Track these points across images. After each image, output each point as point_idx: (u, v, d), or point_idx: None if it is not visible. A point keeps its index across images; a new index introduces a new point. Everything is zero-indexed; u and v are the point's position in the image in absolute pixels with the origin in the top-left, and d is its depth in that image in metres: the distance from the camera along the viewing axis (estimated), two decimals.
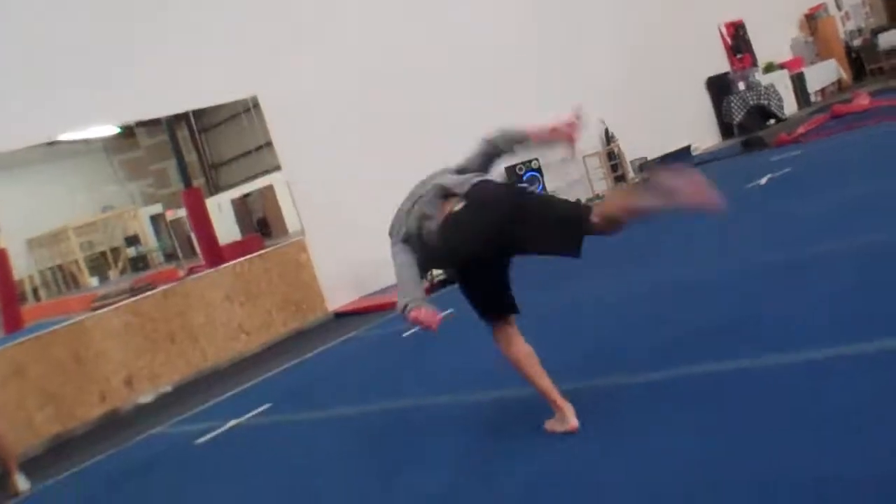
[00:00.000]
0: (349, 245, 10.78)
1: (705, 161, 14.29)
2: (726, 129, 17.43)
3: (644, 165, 14.96)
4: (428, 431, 4.81)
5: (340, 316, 10.54)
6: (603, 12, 15.69)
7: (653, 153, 15.16)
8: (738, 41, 18.69)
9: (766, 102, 17.21)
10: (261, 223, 12.23)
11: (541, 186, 13.06)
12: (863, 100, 15.15)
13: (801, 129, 13.82)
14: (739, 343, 4.42)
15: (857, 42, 22.27)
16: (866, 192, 7.41)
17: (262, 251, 10.67)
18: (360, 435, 5.27)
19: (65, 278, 11.63)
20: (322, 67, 11.44)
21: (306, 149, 10.90)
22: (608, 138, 14.73)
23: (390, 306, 9.67)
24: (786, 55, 20.50)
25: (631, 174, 14.94)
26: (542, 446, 3.95)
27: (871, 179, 8.09)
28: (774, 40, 20.18)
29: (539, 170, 13.19)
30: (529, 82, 13.92)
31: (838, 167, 9.72)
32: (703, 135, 17.11)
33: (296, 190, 10.88)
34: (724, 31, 18.44)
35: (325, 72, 11.45)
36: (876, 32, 22.04)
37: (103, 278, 11.80)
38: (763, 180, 9.74)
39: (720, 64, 18.08)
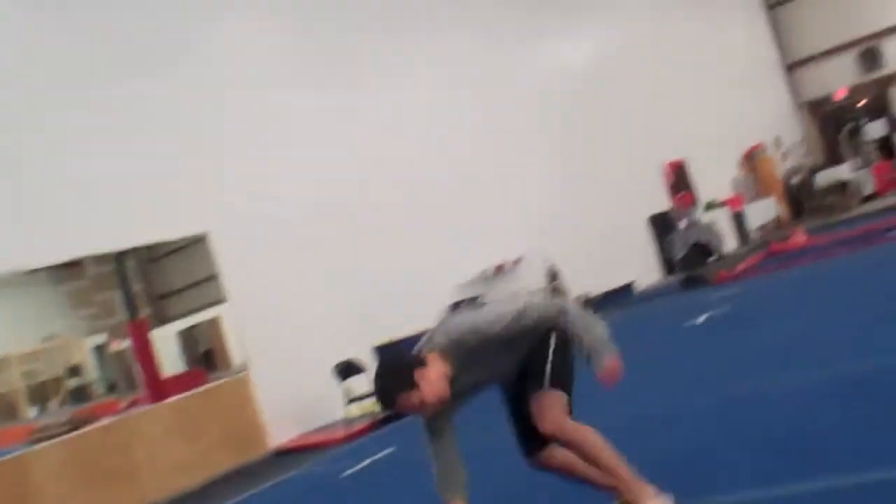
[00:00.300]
0: (294, 379, 10.86)
1: (646, 298, 14.66)
2: (669, 265, 17.86)
3: (589, 301, 15.29)
4: None
5: (282, 453, 10.53)
6: (548, 150, 16.17)
7: (596, 289, 15.52)
8: (679, 180, 19.31)
9: (706, 240, 17.71)
10: (206, 355, 12.27)
11: None
12: (799, 237, 15.72)
13: (740, 267, 14.26)
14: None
15: (795, 180, 23.11)
16: (799, 330, 7.71)
17: (206, 386, 10.69)
18: None
19: (1, 408, 11.56)
20: (273, 202, 11.67)
21: (253, 282, 11.05)
22: (552, 275, 15.05)
23: (332, 443, 9.76)
24: (726, 193, 21.17)
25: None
26: None
27: (804, 317, 8.41)
28: (715, 179, 20.88)
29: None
30: (476, 217, 14.26)
31: (774, 305, 10.08)
32: (646, 271, 17.53)
33: (241, 324, 10.98)
34: (666, 170, 19.05)
35: (275, 206, 11.68)
36: (813, 171, 22.94)
37: (42, 409, 11.72)
38: (701, 319, 10.04)
39: (663, 202, 18.63)
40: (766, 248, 15.71)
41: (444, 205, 13.82)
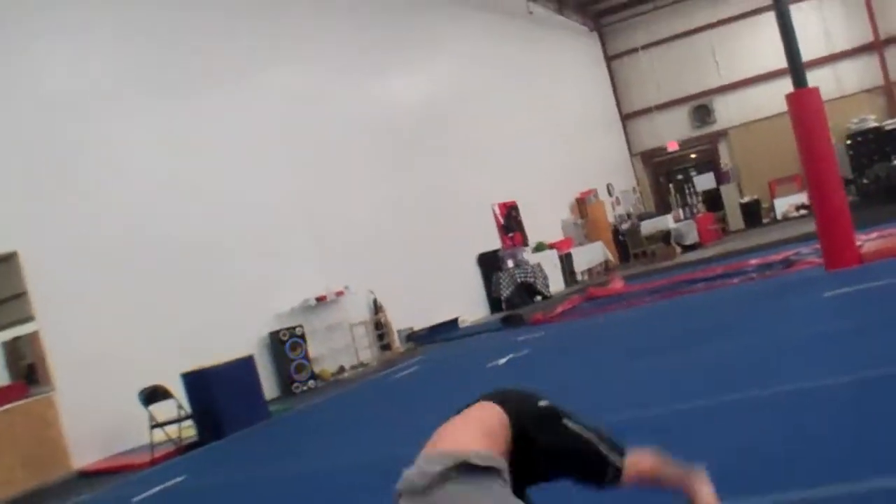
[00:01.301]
0: (102, 402, 10.84)
1: (467, 335, 15.16)
2: (495, 303, 18.46)
3: (412, 335, 15.72)
4: None
5: (85, 475, 10.51)
6: (378, 184, 16.47)
7: (421, 324, 15.95)
8: (510, 220, 20.02)
9: (532, 280, 18.47)
10: (30, 369, 12.02)
11: (303, 354, 13.54)
12: (617, 283, 16.52)
13: (558, 309, 14.90)
14: None
15: (625, 226, 24.19)
16: (580, 375, 8.26)
17: (7, 406, 10.57)
18: None
19: None
20: (89, 225, 11.65)
21: (63, 301, 11.01)
22: (376, 307, 15.41)
23: (134, 467, 9.84)
24: (556, 236, 22.05)
25: (397, 344, 15.62)
26: None
27: (592, 361, 9.00)
28: (546, 221, 21.73)
29: (303, 336, 13.65)
30: (299, 248, 14.46)
31: (573, 348, 10.71)
32: (473, 307, 18.07)
33: (50, 342, 10.93)
34: (497, 210, 19.72)
35: (91, 229, 11.66)
36: (641, 218, 24.06)
37: None
38: (503, 360, 10.51)
39: (492, 241, 19.25)
40: (585, 293, 16.44)
41: (267, 235, 13.93)
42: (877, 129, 25.41)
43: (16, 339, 11.56)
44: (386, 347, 15.48)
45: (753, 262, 14.95)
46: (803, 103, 11.33)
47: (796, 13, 25.74)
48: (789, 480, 3.99)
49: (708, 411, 5.77)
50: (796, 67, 11.33)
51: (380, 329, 15.45)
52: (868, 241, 13.33)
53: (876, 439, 4.26)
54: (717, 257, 18.39)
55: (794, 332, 7.88)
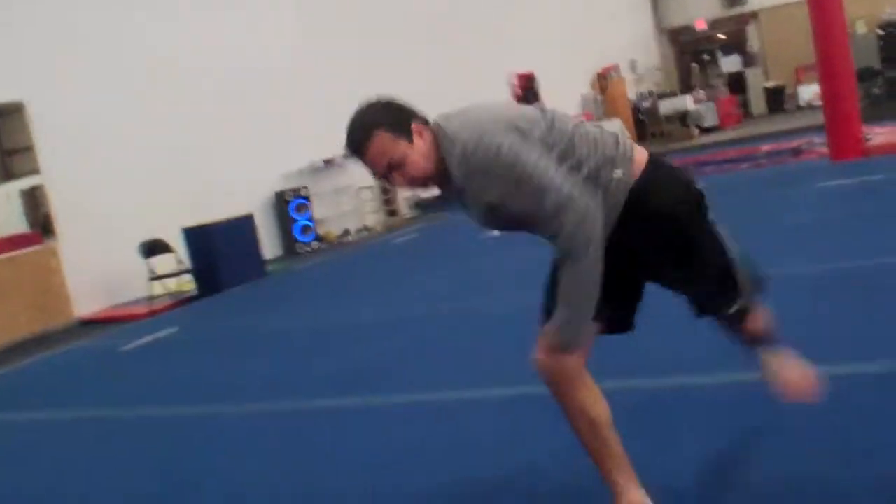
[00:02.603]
0: (104, 253, 11.19)
1: None
2: None
3: (419, 203, 15.95)
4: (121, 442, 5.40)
5: (86, 323, 10.92)
6: (390, 49, 16.36)
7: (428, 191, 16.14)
8: (528, 93, 19.96)
9: None
10: (46, 219, 12.28)
11: (308, 216, 13.80)
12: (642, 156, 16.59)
13: None
14: None
15: (645, 105, 24.08)
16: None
17: (14, 252, 10.92)
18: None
19: None
20: (92, 75, 11.80)
21: (69, 153, 11.25)
22: None
23: (132, 317, 10.23)
24: (576, 111, 22.00)
25: (404, 210, 15.87)
26: None
27: None
28: (565, 95, 21.59)
29: (308, 198, 13.91)
30: (310, 106, 14.48)
31: None
32: None
33: (55, 194, 11.21)
34: (515, 81, 19.67)
35: (99, 84, 11.82)
36: (661, 97, 23.93)
37: None
38: (498, 232, 10.71)
39: None
40: None
41: (275, 93, 14.02)
42: None
43: (34, 189, 11.84)
44: (392, 213, 15.74)
45: (765, 148, 15.04)
46: None
47: None
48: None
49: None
50: None
51: (386, 194, 15.67)
52: (879, 135, 13.38)
53: (841, 330, 4.52)
54: (732, 141, 18.41)
55: (776, 221, 8.07)
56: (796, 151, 13.65)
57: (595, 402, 2.78)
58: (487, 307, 6.83)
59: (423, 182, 2.74)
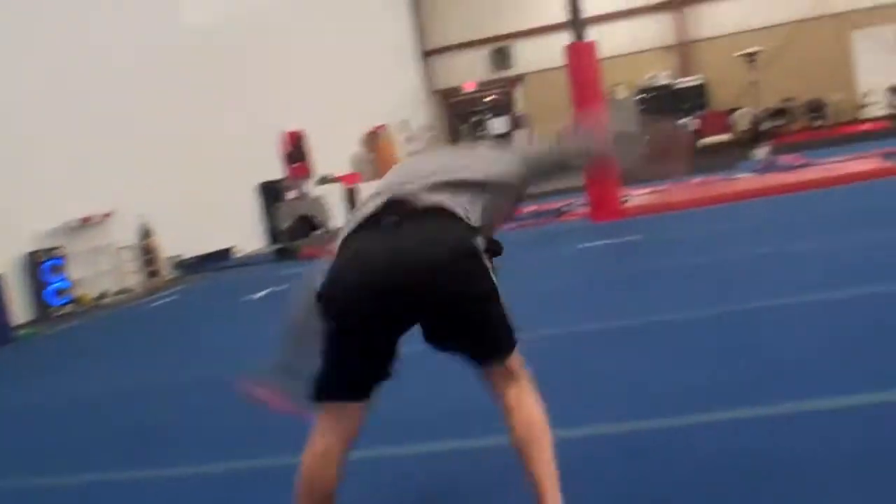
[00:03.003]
0: None
1: (239, 265, 15.20)
2: (275, 234, 18.46)
3: (181, 263, 15.61)
4: None
5: None
6: (152, 103, 16.04)
7: (192, 251, 15.84)
8: (296, 150, 19.90)
9: (313, 213, 18.54)
10: None
11: (63, 277, 13.26)
12: None
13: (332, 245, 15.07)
14: None
15: None
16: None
17: None
18: None
19: None
20: None
21: None
22: (146, 232, 15.20)
23: None
24: (346, 169, 22.12)
25: (165, 271, 15.49)
26: None
27: None
28: (335, 154, 21.71)
29: (64, 258, 13.39)
30: (64, 163, 14.00)
31: None
32: (251, 238, 18.05)
33: None
34: (283, 139, 19.60)
35: None
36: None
37: None
38: (260, 294, 10.64)
39: (276, 170, 19.17)
40: None
41: (24, 152, 13.47)
42: (666, 87, 26.66)
43: None
44: (154, 274, 15.34)
45: (529, 209, 15.56)
46: (579, 55, 11.85)
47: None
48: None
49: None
50: (576, 19, 11.80)
51: (147, 254, 15.27)
52: (636, 197, 14.12)
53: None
54: None
55: (539, 282, 8.33)
56: (558, 212, 14.18)
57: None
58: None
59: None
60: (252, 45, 19.16)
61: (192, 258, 15.78)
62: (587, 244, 10.34)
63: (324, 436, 2.89)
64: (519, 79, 28.36)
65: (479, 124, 28.57)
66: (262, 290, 10.90)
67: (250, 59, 18.99)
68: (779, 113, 23.86)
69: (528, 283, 8.43)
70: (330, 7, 23.10)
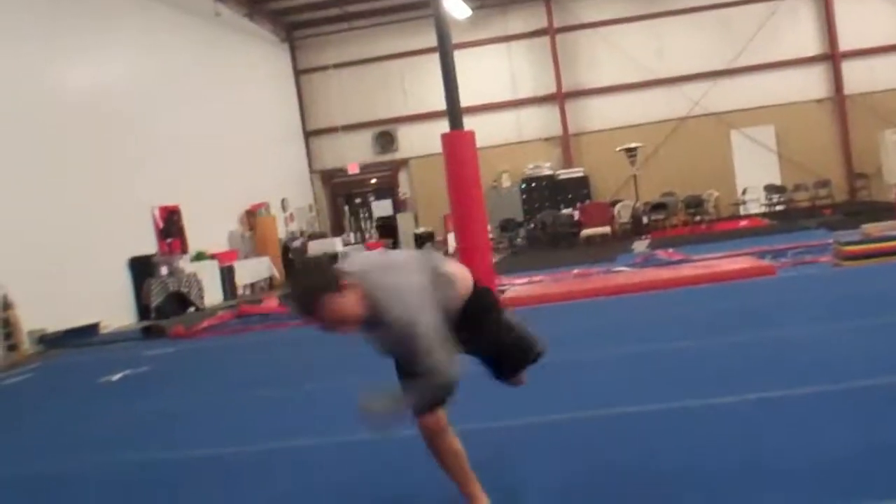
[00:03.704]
0: None
1: (104, 342, 14.74)
2: (145, 310, 18.00)
3: (44, 337, 15.06)
4: None
5: None
6: (17, 169, 15.48)
7: (57, 325, 15.30)
8: (170, 226, 19.63)
9: (186, 290, 18.19)
10: None
11: None
12: (271, 302, 16.61)
13: (204, 324, 14.77)
14: None
15: (296, 243, 24.35)
16: (189, 404, 8.22)
17: None
18: None
19: None
20: None
21: None
22: (6, 304, 14.64)
23: None
24: (223, 246, 21.86)
25: (26, 345, 14.90)
26: None
27: (210, 387, 8.97)
28: (212, 230, 21.48)
29: None
30: None
31: (194, 371, 10.62)
32: (120, 313, 17.52)
33: None
34: (157, 214, 19.30)
35: None
36: (311, 238, 24.37)
37: None
38: (118, 376, 10.25)
39: (148, 245, 18.79)
40: (237, 309, 16.40)
41: None
42: (550, 178, 27.21)
43: None
44: (13, 348, 14.73)
45: None
46: (455, 144, 11.94)
47: (487, 54, 27.49)
48: None
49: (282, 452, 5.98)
50: (453, 108, 11.91)
51: (6, 327, 14.67)
52: (514, 286, 14.19)
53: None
54: None
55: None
56: None
57: (456, 441, 4.08)
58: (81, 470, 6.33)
59: (356, 325, 3.85)
60: (130, 116, 18.82)
61: (55, 332, 15.21)
62: None
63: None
64: (403, 163, 28.57)
65: (363, 206, 28.63)
66: (123, 370, 10.52)
67: (127, 130, 18.62)
68: (659, 207, 24.45)
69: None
70: (213, 83, 22.96)
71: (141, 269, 18.19)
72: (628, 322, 9.88)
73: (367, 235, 26.32)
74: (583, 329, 9.79)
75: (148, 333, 14.70)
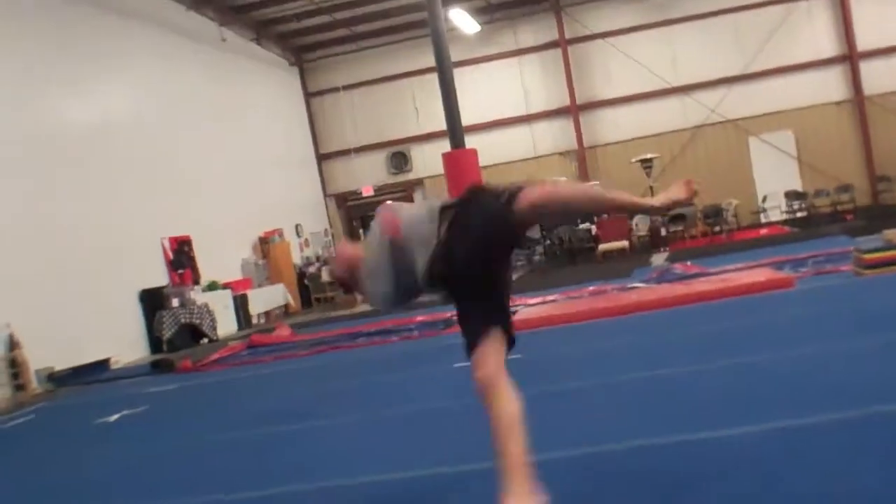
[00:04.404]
0: None
1: (114, 378, 14.63)
2: (157, 343, 17.90)
3: (52, 376, 14.97)
4: None
5: None
6: (21, 203, 15.40)
7: (66, 363, 15.21)
8: (180, 256, 19.56)
9: (198, 321, 18.08)
10: None
11: None
12: (283, 331, 16.45)
13: (213, 356, 14.61)
14: None
15: (311, 270, 24.26)
16: (185, 446, 8.03)
17: None
18: None
19: None
20: None
21: None
22: (12, 343, 14.56)
23: None
24: (236, 275, 21.76)
25: (34, 384, 14.81)
26: None
27: (208, 427, 8.78)
28: (225, 259, 21.40)
29: None
30: None
31: (196, 409, 10.27)
32: (131, 347, 17.44)
33: None
34: (167, 244, 19.22)
35: None
36: (326, 263, 24.20)
37: None
38: (115, 417, 10.06)
39: (159, 277, 18.71)
40: (248, 339, 16.23)
41: None
42: None
43: None
44: (21, 388, 14.64)
45: (419, 318, 15.29)
46: (456, 163, 11.78)
47: (499, 69, 27.38)
48: None
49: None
50: (454, 128, 11.77)
51: (14, 367, 14.59)
52: (527, 308, 13.93)
53: None
54: None
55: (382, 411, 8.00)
56: (448, 323, 13.93)
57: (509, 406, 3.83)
58: None
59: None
60: (136, 146, 18.78)
61: (65, 370, 15.12)
62: (464, 363, 9.79)
63: None
64: (418, 182, 28.45)
65: None
66: (121, 409, 10.33)
67: (135, 160, 18.58)
68: (677, 218, 24.17)
69: (384, 408, 8.09)
70: (222, 109, 22.92)
71: (152, 301, 18.11)
72: (640, 344, 9.59)
73: None
74: (591, 352, 9.56)
75: (156, 368, 14.56)
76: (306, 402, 9.31)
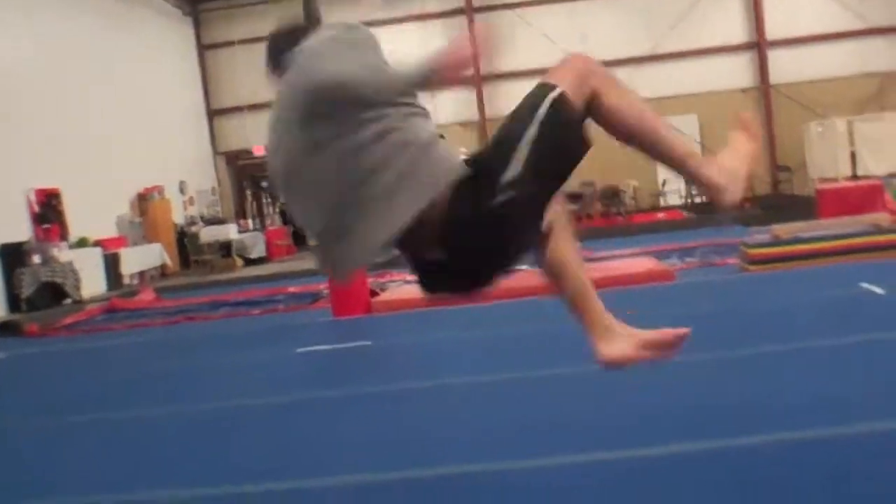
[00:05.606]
0: None
1: None
2: (16, 302, 17.10)
3: None
4: None
5: None
6: None
7: None
8: (48, 210, 18.70)
9: (60, 280, 17.29)
10: None
11: None
12: (147, 296, 15.82)
13: (66, 321, 13.95)
14: None
15: (193, 230, 23.49)
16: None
17: None
18: None
19: None
20: None
21: None
22: None
23: None
24: (110, 232, 20.93)
25: None
26: None
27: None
28: (99, 215, 20.53)
29: None
30: None
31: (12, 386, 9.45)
32: None
33: None
34: (32, 197, 18.35)
35: None
36: (207, 223, 23.50)
37: None
38: None
39: (23, 231, 17.85)
40: (109, 303, 15.57)
41: None
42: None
43: None
44: None
45: (292, 289, 14.85)
46: None
47: (401, 33, 26.79)
48: None
49: None
50: None
51: None
52: (392, 287, 13.36)
53: None
54: (266, 278, 18.25)
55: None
56: (316, 297, 13.48)
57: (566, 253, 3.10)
58: None
59: None
60: (13, 91, 17.87)
61: None
62: (308, 347, 9.30)
63: None
64: None
65: (266, 190, 27.84)
66: None
67: (8, 106, 17.68)
68: (574, 197, 23.92)
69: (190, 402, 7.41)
70: (106, 58, 21.96)
71: (12, 257, 17.26)
72: (490, 338, 8.99)
73: (268, 221, 25.52)
74: (441, 341, 9.09)
75: (5, 330, 13.85)
76: (112, 387, 8.49)
